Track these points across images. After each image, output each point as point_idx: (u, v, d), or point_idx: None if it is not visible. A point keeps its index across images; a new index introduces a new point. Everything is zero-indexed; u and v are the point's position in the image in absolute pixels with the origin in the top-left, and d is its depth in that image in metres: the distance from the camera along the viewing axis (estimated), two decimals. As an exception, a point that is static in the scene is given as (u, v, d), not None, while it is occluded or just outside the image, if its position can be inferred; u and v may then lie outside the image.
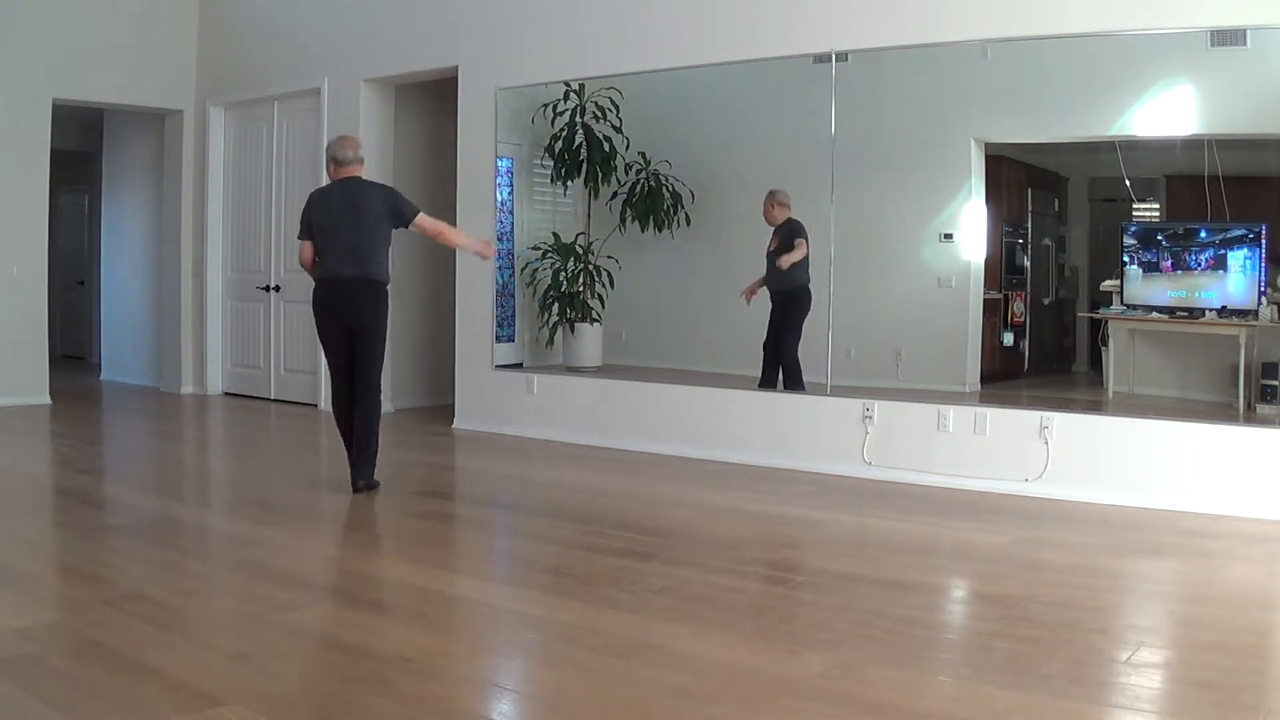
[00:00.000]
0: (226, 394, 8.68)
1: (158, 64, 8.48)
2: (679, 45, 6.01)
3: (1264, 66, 4.67)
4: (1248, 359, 5.03)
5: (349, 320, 4.75)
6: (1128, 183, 5.67)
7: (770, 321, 6.06)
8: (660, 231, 6.77)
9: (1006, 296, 6.06)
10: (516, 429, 6.68)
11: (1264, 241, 5.07)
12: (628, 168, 6.85)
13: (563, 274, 6.97)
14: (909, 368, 5.95)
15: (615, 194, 6.90)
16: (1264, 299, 5.04)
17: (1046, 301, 6.33)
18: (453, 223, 7.10)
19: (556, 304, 6.93)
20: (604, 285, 6.99)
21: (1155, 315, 5.45)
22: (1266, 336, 5.04)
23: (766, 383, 5.95)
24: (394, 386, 7.84)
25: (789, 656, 2.81)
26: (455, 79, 7.01)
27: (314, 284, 4.78)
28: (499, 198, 6.96)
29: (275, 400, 8.28)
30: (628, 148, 6.84)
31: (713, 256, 6.84)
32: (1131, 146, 5.47)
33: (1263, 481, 4.45)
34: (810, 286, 5.85)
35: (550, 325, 6.97)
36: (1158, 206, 5.71)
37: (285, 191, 8.19)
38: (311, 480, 5.66)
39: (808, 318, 5.88)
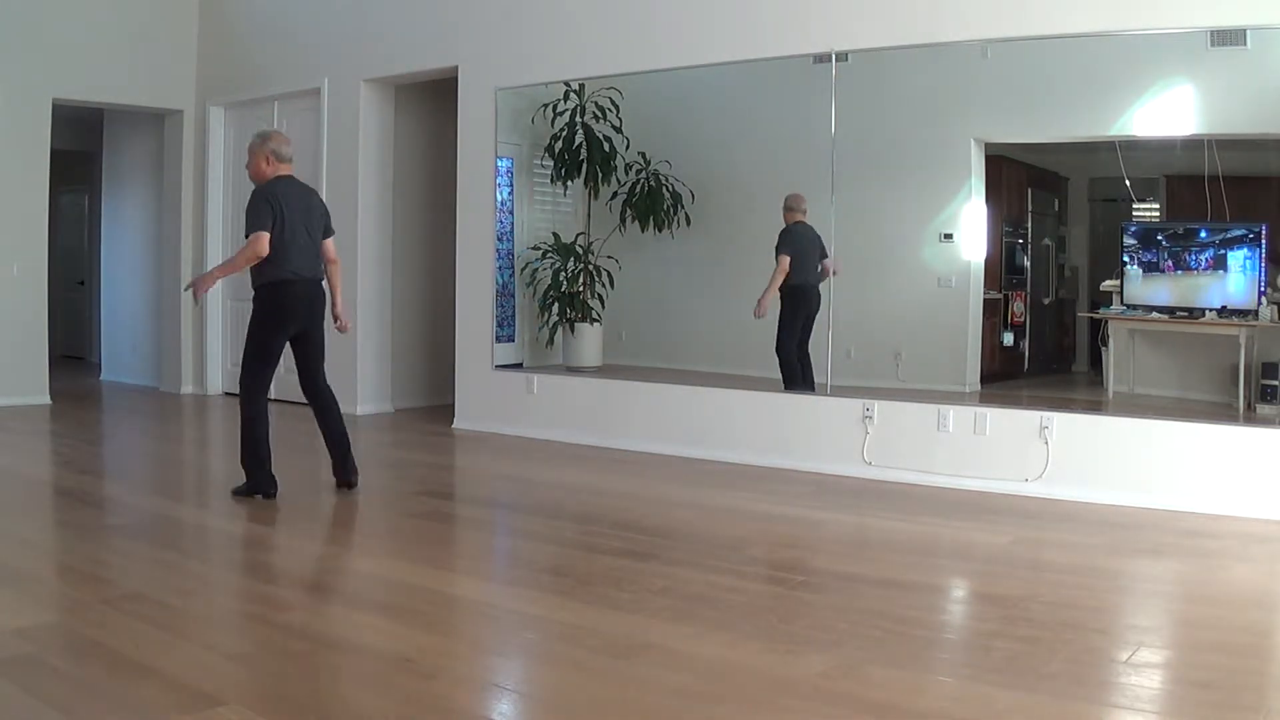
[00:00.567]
0: (226, 394, 8.67)
1: (158, 64, 8.48)
2: (679, 45, 6.01)
3: (1264, 66, 4.67)
4: (1248, 359, 5.03)
5: (308, 322, 4.81)
6: (1128, 183, 5.67)
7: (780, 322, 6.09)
8: (660, 231, 6.77)
9: (1006, 296, 6.06)
10: (516, 429, 6.68)
11: (1264, 241, 5.06)
12: (628, 168, 6.85)
13: (563, 274, 6.97)
14: (909, 368, 5.95)
15: (615, 194, 6.90)
16: (1264, 299, 5.04)
17: (1046, 301, 6.33)
18: (452, 223, 7.12)
19: (556, 304, 6.93)
20: (604, 285, 6.99)
21: (1155, 315, 5.45)
22: (1266, 336, 5.04)
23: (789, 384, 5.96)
24: (394, 386, 7.85)
25: (789, 656, 2.81)
26: (455, 79, 7.01)
27: (271, 283, 4.61)
28: (499, 198, 6.96)
29: (275, 400, 8.26)
30: (628, 148, 6.84)
31: (713, 256, 6.84)
32: (1131, 146, 5.47)
33: (1263, 481, 4.45)
34: (803, 284, 5.87)
35: (550, 325, 6.97)
36: (1158, 206, 5.71)
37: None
38: (311, 480, 5.66)
39: (807, 316, 5.90)
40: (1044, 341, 6.29)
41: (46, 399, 7.91)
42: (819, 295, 5.83)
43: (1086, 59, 5.07)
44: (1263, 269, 5.06)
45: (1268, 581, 3.72)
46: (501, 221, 7.05)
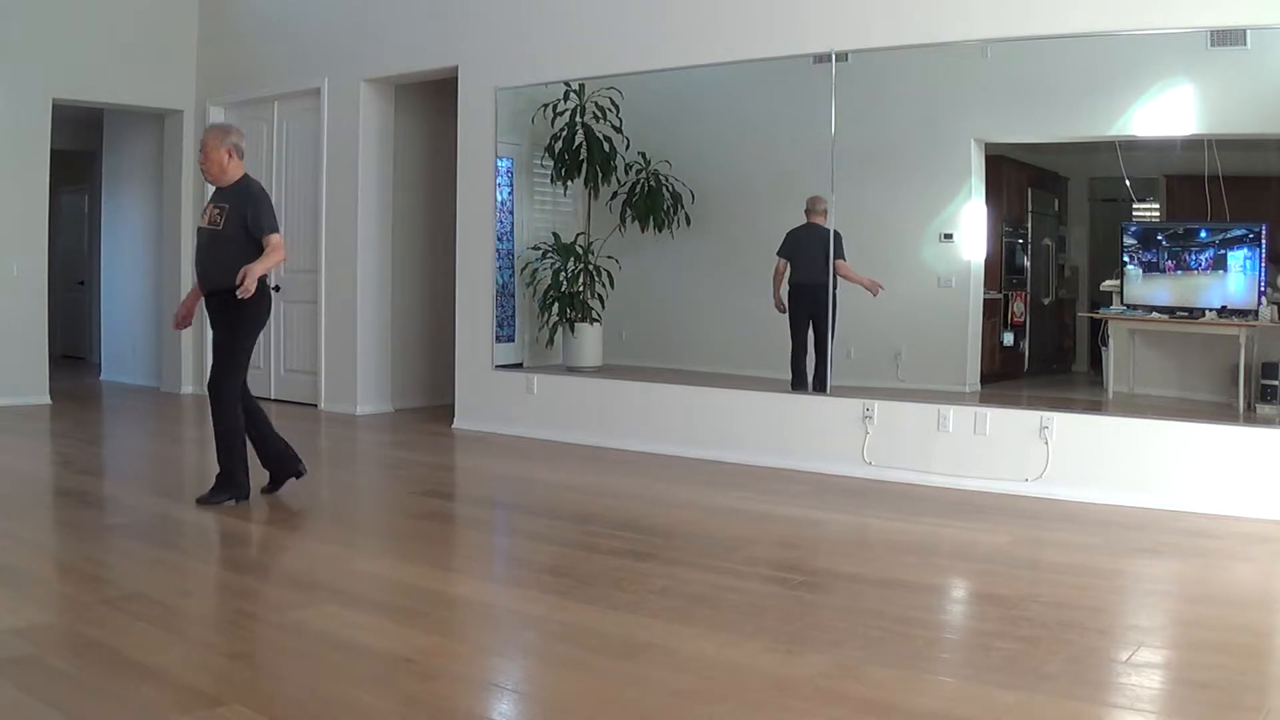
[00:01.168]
0: (226, 394, 8.67)
1: (158, 64, 8.47)
2: (679, 45, 6.01)
3: (1264, 66, 4.67)
4: (1248, 359, 5.03)
5: None
6: (1128, 183, 5.67)
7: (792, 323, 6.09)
8: (660, 231, 6.77)
9: (1006, 296, 6.06)
10: (516, 429, 6.68)
11: (1264, 241, 5.06)
12: (628, 168, 6.85)
13: (563, 274, 6.97)
14: (909, 368, 5.95)
15: (615, 194, 6.90)
16: (1264, 299, 5.04)
17: (1046, 301, 6.33)
18: (452, 223, 7.13)
19: (556, 304, 6.93)
20: (604, 285, 6.99)
21: (1155, 315, 5.45)
22: (1266, 336, 5.04)
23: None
24: (394, 386, 7.85)
25: (789, 656, 2.81)
26: (455, 79, 7.01)
27: (261, 286, 4.58)
28: (499, 198, 6.96)
29: (275, 400, 8.28)
30: (628, 148, 6.83)
31: (713, 256, 6.84)
32: (1131, 146, 5.47)
33: (1263, 481, 4.45)
34: (799, 284, 5.95)
35: (550, 325, 6.97)
36: (1158, 206, 5.71)
37: (285, 191, 8.18)
38: (312, 480, 5.66)
39: (811, 315, 5.91)
40: (1044, 341, 6.29)
41: (46, 399, 7.91)
42: (825, 295, 5.77)
43: (1086, 59, 5.07)
44: (1263, 269, 5.06)
45: (1268, 581, 3.72)
46: (501, 221, 7.05)
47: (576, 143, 6.88)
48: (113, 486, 5.29)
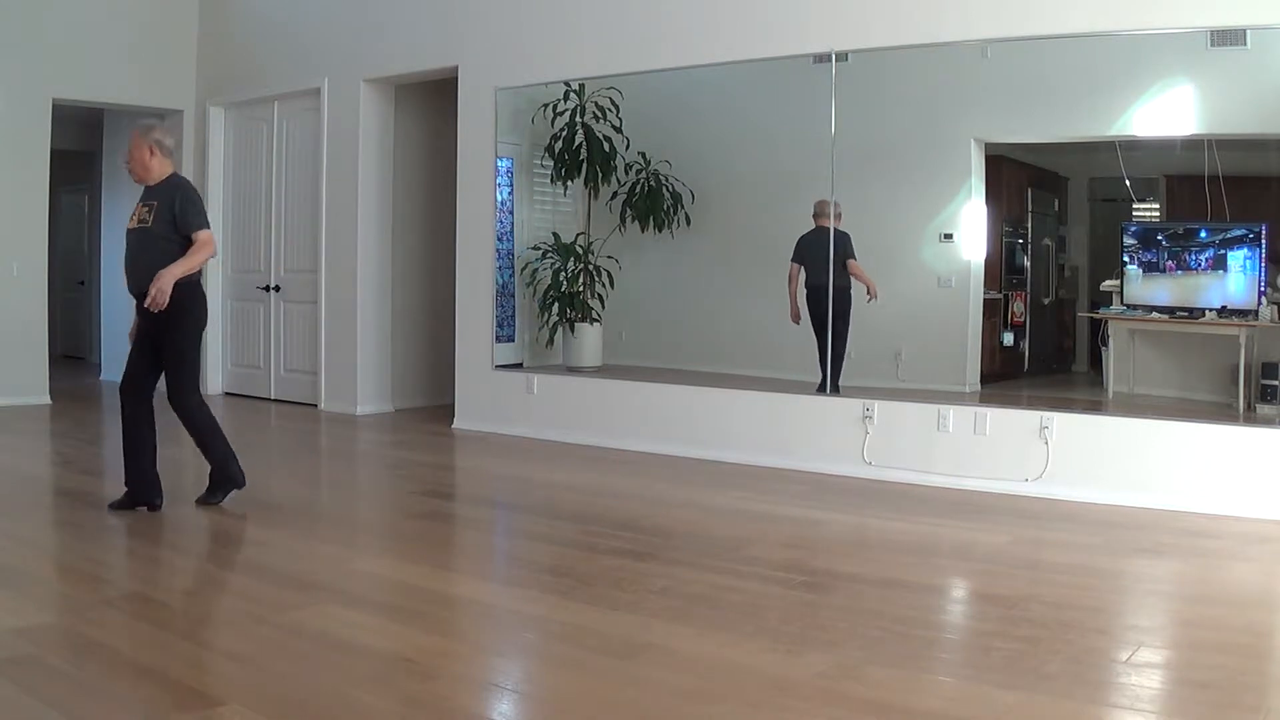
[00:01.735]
0: (226, 394, 8.68)
1: (158, 64, 8.47)
2: (679, 45, 6.01)
3: (1264, 66, 4.67)
4: (1248, 359, 5.03)
5: None
6: (1128, 183, 5.67)
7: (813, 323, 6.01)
8: (660, 231, 6.77)
9: (1006, 296, 6.06)
10: (516, 429, 6.68)
11: (1264, 241, 5.06)
12: (628, 168, 6.85)
13: (563, 274, 6.97)
14: (909, 368, 5.95)
15: (615, 194, 6.90)
16: (1264, 299, 5.04)
17: (1046, 301, 6.33)
18: (453, 223, 7.12)
19: (556, 304, 6.93)
20: (604, 285, 6.99)
21: (1155, 315, 5.45)
22: (1266, 336, 5.04)
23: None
24: (394, 386, 7.85)
25: (789, 656, 2.81)
26: (455, 79, 7.01)
27: (196, 281, 4.38)
28: (499, 198, 6.96)
29: (275, 400, 8.28)
30: (628, 148, 6.83)
31: (713, 256, 6.84)
32: (1131, 146, 5.47)
33: (1263, 481, 4.45)
34: (812, 287, 5.88)
35: (550, 325, 6.97)
36: (1158, 206, 5.71)
37: (285, 191, 8.19)
38: (312, 480, 5.67)
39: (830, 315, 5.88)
40: (1044, 341, 6.29)
41: (46, 399, 7.91)
42: (842, 295, 5.77)
43: (1086, 59, 5.07)
44: (1263, 269, 5.06)
45: (1268, 581, 3.72)
46: (501, 221, 7.05)
47: (576, 143, 6.88)
48: (113, 486, 5.28)
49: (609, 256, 6.95)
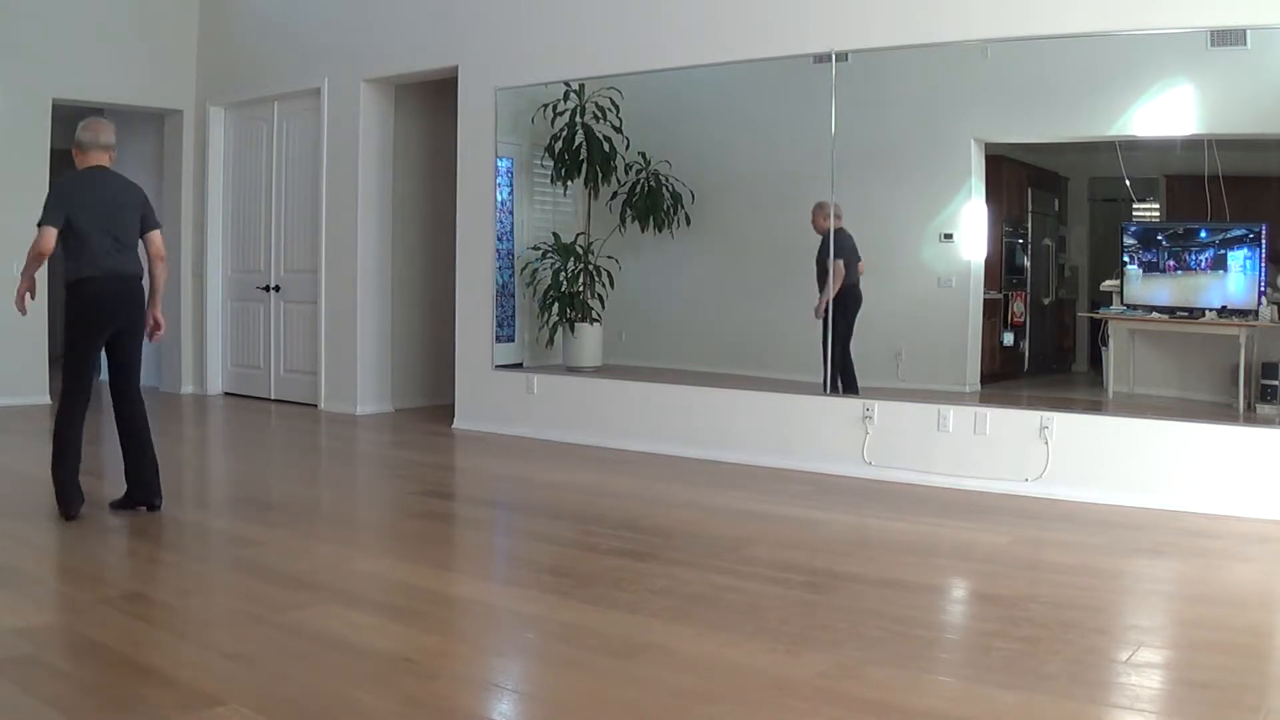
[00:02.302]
0: (226, 394, 8.68)
1: (158, 64, 8.47)
2: (679, 45, 6.01)
3: (1264, 66, 4.67)
4: (1248, 359, 5.03)
5: (124, 320, 4.33)
6: (1128, 183, 5.67)
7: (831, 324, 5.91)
8: (660, 231, 6.77)
9: (1006, 296, 6.06)
10: (516, 429, 6.68)
11: (1264, 241, 5.06)
12: (628, 168, 6.85)
13: (563, 274, 6.97)
14: (909, 368, 5.95)
15: (615, 194, 6.90)
16: (1264, 299, 5.04)
17: (1046, 301, 6.33)
18: (453, 223, 7.12)
19: (556, 304, 6.93)
20: (604, 285, 6.99)
21: (1155, 315, 5.45)
22: (1266, 336, 5.04)
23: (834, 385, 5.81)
24: (394, 386, 7.85)
25: (789, 656, 2.81)
26: (455, 79, 7.01)
27: (69, 281, 4.23)
28: (499, 198, 6.96)
29: (275, 400, 8.28)
30: (628, 148, 6.83)
31: (713, 256, 6.84)
32: (1131, 146, 5.47)
33: (1263, 481, 4.45)
34: (856, 285, 5.82)
35: (550, 325, 6.97)
36: (1158, 206, 5.71)
37: (285, 191, 8.19)
38: (311, 480, 5.67)
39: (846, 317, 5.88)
40: (1044, 341, 6.29)
41: (46, 399, 7.91)
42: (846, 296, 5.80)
43: (1086, 59, 5.07)
44: (1263, 269, 5.06)
45: (1268, 581, 3.72)
46: (501, 221, 7.05)
47: (576, 143, 6.88)
48: (113, 487, 5.29)
49: (609, 256, 6.95)
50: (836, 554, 4.03)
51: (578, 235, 7.05)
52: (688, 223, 6.69)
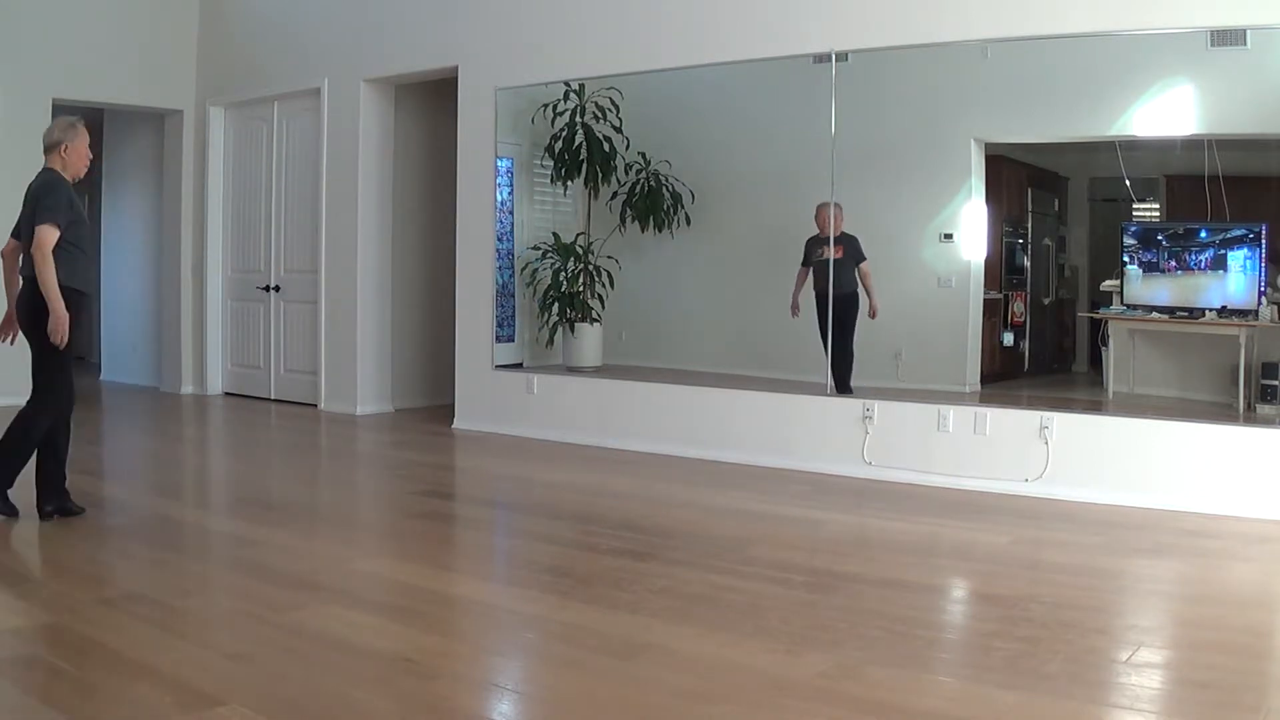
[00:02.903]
0: (226, 394, 8.68)
1: (158, 64, 8.47)
2: (679, 45, 6.01)
3: (1264, 66, 4.67)
4: (1248, 359, 5.03)
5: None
6: (1128, 183, 5.67)
7: (831, 323, 5.85)
8: (660, 231, 6.77)
9: (1006, 296, 6.06)
10: (516, 429, 6.68)
11: (1264, 241, 5.06)
12: (628, 168, 6.85)
13: (563, 274, 6.97)
14: (909, 368, 5.95)
15: (615, 194, 6.90)
16: (1264, 299, 5.04)
17: (1046, 301, 6.33)
18: (453, 223, 7.12)
19: (556, 304, 6.93)
20: (604, 285, 6.99)
21: (1155, 315, 5.45)
22: (1266, 336, 5.04)
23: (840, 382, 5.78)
24: (394, 386, 7.85)
25: (789, 656, 2.81)
26: (455, 79, 7.01)
27: (69, 289, 4.14)
28: (499, 198, 6.96)
29: (275, 400, 8.28)
30: (628, 148, 6.83)
31: (713, 257, 6.84)
32: (1131, 146, 5.47)
33: (1263, 481, 4.45)
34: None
35: (550, 325, 6.97)
36: (1158, 206, 5.71)
37: (285, 191, 8.19)
38: (311, 480, 5.67)
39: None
40: (1044, 341, 6.29)
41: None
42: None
43: (1086, 59, 5.07)
44: (1263, 269, 5.06)
45: (1268, 581, 3.72)
46: (501, 221, 7.05)
47: (576, 143, 6.88)
48: (113, 486, 5.29)
49: (609, 256, 6.95)
50: (836, 554, 4.03)
51: (578, 235, 7.05)
52: (688, 223, 6.69)
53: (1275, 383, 4.94)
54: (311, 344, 7.98)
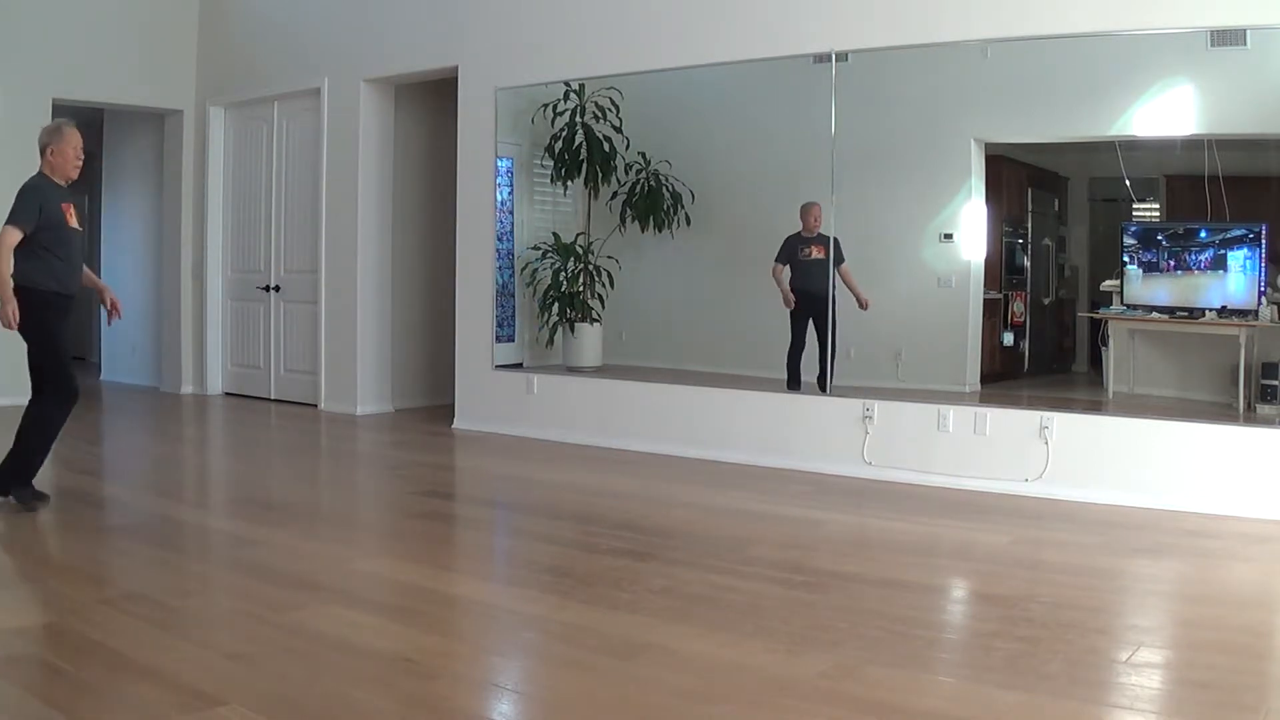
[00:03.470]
0: (226, 394, 8.68)
1: (158, 64, 8.48)
2: (679, 45, 6.01)
3: (1264, 66, 4.67)
4: (1248, 359, 5.03)
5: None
6: (1128, 183, 5.67)
7: (813, 322, 5.88)
8: (660, 231, 6.77)
9: (1006, 296, 6.06)
10: (516, 429, 6.68)
11: (1264, 241, 5.06)
12: (628, 168, 6.85)
13: (563, 274, 6.97)
14: (909, 368, 5.95)
15: (615, 194, 6.90)
16: (1264, 299, 5.04)
17: (1046, 301, 6.33)
18: (453, 223, 7.12)
19: (556, 304, 6.93)
20: (604, 285, 6.99)
21: (1155, 315, 5.45)
22: (1266, 336, 5.04)
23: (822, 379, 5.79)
24: (394, 386, 7.85)
25: (789, 656, 2.81)
26: (455, 79, 7.01)
27: (45, 290, 4.31)
28: (499, 198, 6.96)
29: (275, 400, 8.28)
30: (628, 148, 6.83)
31: (713, 256, 6.84)
32: (1131, 146, 5.47)
33: (1263, 481, 4.45)
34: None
35: (550, 325, 6.97)
36: (1158, 206, 5.71)
37: (285, 191, 8.19)
38: (311, 480, 5.67)
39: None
40: (1044, 341, 6.29)
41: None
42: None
43: (1086, 59, 5.07)
44: (1263, 269, 5.06)
45: (1268, 581, 3.72)
46: (501, 221, 7.05)
47: (576, 143, 6.88)
48: (113, 486, 5.29)
49: (609, 256, 6.95)
50: (836, 554, 4.03)
51: (578, 235, 7.05)
52: (688, 223, 6.69)
53: (1275, 383, 4.94)
54: (311, 344, 7.98)
